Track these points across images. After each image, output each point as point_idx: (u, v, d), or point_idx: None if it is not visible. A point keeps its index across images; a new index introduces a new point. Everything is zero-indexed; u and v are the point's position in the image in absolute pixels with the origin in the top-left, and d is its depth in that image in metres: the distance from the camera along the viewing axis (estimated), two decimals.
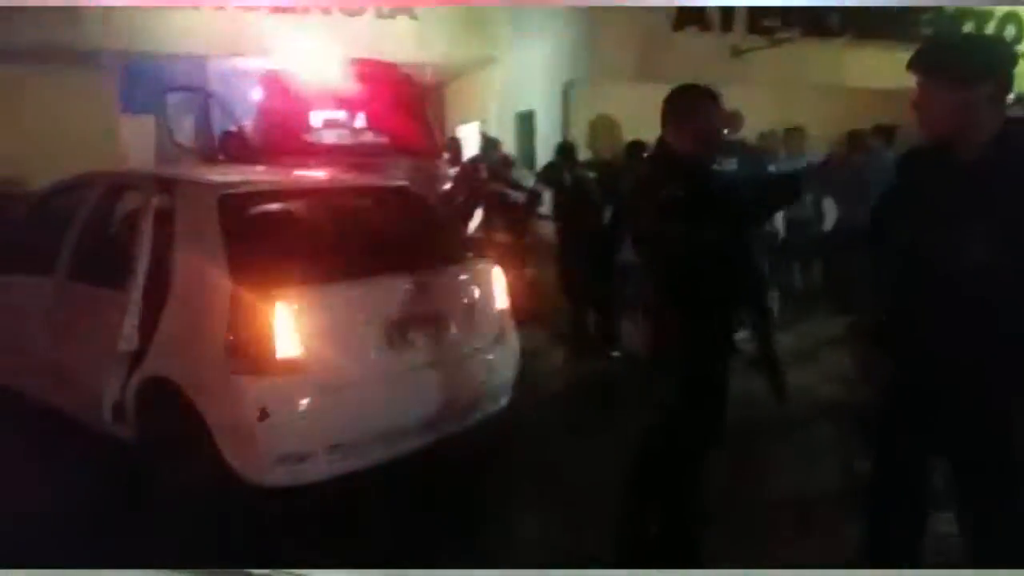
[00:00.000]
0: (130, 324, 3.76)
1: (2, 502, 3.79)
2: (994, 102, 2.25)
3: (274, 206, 4.07)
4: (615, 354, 6.61)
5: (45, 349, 4.30)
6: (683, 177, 2.78)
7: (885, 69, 8.47)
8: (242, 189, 3.97)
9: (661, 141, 3.00)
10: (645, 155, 3.11)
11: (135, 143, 11.66)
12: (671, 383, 2.93)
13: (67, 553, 3.42)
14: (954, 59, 2.29)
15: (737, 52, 11.00)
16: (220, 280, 3.51)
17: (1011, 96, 2.85)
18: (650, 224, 2.83)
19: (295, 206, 4.14)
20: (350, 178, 4.75)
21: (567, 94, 9.44)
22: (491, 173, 7.81)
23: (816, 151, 7.92)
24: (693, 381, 2.90)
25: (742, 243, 3.01)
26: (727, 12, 11.05)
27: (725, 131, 3.12)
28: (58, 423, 4.31)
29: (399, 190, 4.71)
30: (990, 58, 2.31)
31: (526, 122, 12.02)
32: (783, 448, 4.78)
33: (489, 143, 8.41)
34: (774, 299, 7.28)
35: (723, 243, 2.77)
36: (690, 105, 2.93)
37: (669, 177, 2.79)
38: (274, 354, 3.42)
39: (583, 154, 8.02)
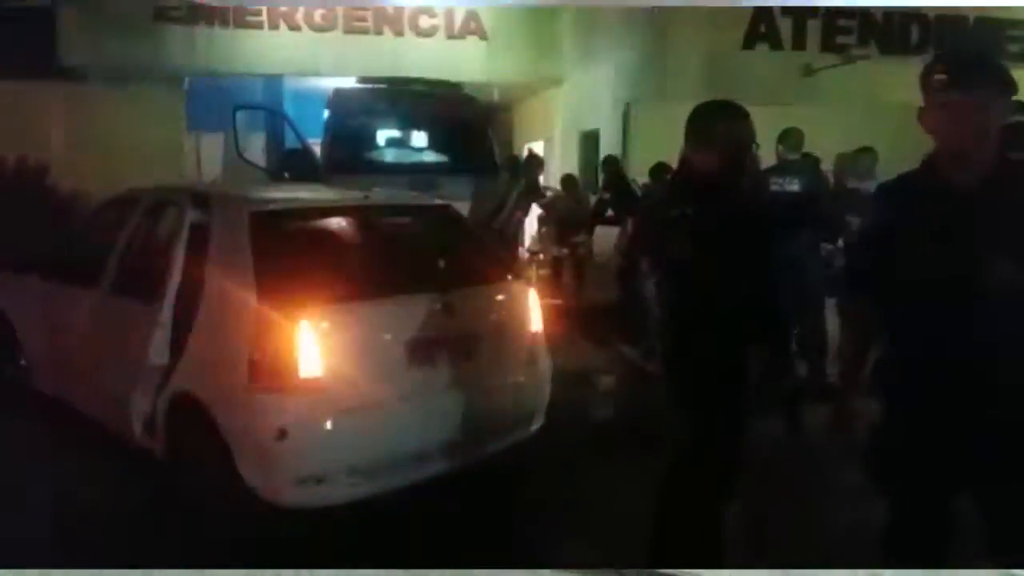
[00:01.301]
0: (161, 338, 3.81)
1: (31, 506, 3.88)
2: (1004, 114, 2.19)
3: (307, 224, 4.07)
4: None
5: (85, 361, 4.39)
6: (698, 198, 2.63)
7: None
8: (274, 207, 3.98)
9: (683, 160, 2.85)
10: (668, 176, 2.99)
11: (204, 160, 12.08)
12: (685, 407, 2.78)
13: (89, 559, 3.46)
14: (982, 71, 2.15)
15: (809, 71, 10.65)
16: (247, 297, 3.51)
17: None
18: (657, 244, 2.70)
19: (328, 224, 4.12)
20: (387, 196, 4.73)
21: (628, 114, 9.28)
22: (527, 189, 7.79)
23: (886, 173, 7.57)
24: (706, 406, 2.73)
25: (762, 266, 2.81)
26: (800, 29, 10.72)
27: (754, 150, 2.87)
28: (93, 432, 4.39)
29: (439, 209, 4.65)
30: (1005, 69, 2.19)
31: (590, 141, 11.92)
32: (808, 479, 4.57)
33: (535, 160, 8.40)
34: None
35: (738, 266, 2.60)
36: (713, 123, 2.78)
37: (682, 198, 2.64)
38: (297, 373, 3.39)
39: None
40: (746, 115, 2.79)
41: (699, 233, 2.58)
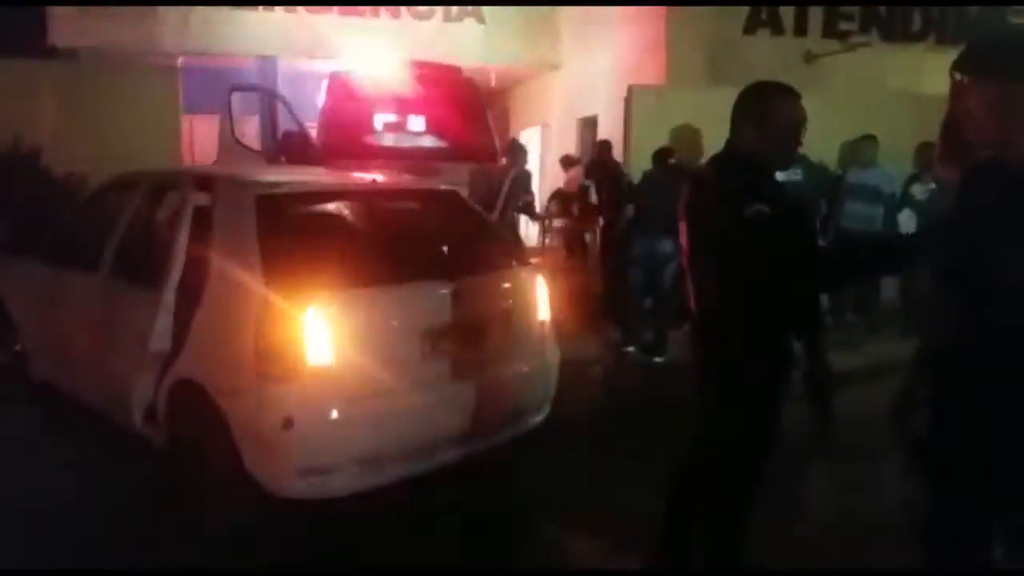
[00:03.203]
0: (164, 324, 3.73)
1: (31, 499, 3.81)
2: None
3: (313, 208, 3.98)
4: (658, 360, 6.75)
5: (84, 347, 4.30)
6: (766, 191, 2.52)
7: None
8: (280, 190, 3.88)
9: (736, 146, 2.69)
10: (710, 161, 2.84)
11: (199, 142, 11.95)
12: (717, 397, 2.70)
13: (91, 552, 3.41)
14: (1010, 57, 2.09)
15: (811, 57, 10.57)
16: (252, 282, 3.42)
17: None
18: (725, 239, 2.51)
19: (334, 209, 4.03)
20: (393, 181, 4.64)
21: (630, 99, 9.19)
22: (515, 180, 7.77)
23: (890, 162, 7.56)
24: (742, 396, 2.64)
25: (813, 257, 2.73)
26: (801, 16, 10.64)
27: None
28: (96, 421, 4.31)
29: (445, 194, 4.57)
30: None
31: (589, 127, 11.83)
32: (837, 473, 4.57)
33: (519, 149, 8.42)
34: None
35: (797, 259, 2.50)
36: (778, 103, 2.62)
37: (751, 190, 2.49)
38: (304, 361, 3.31)
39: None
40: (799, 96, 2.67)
41: (776, 231, 2.44)
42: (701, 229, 2.68)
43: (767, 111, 2.61)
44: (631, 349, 7.07)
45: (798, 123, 2.64)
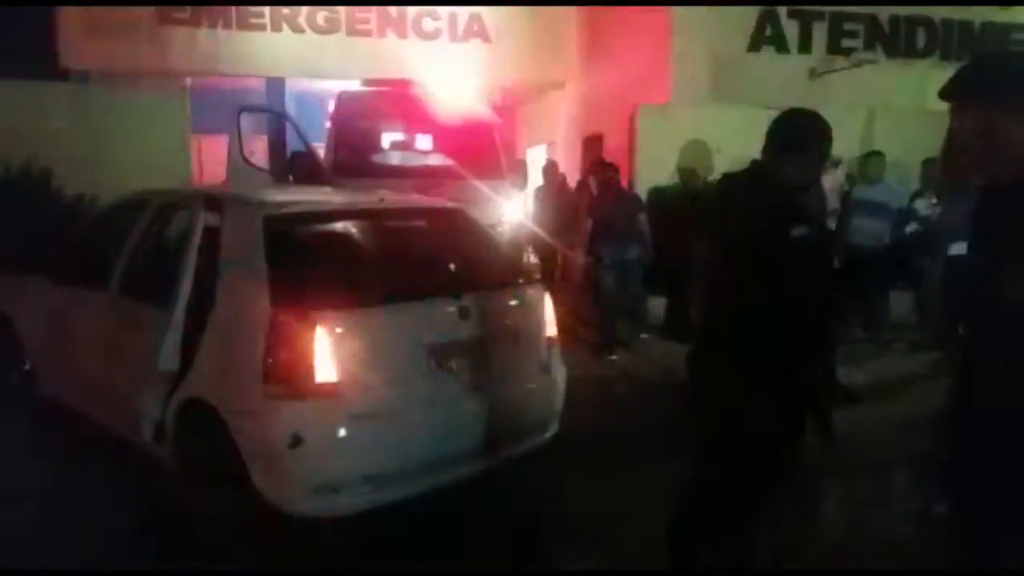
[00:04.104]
0: (172, 343, 3.74)
1: (41, 513, 3.82)
2: None
3: (320, 227, 4.00)
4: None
5: (93, 366, 4.33)
6: (800, 213, 2.59)
7: None
8: (288, 210, 3.91)
9: (769, 168, 2.75)
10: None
11: (208, 162, 12.04)
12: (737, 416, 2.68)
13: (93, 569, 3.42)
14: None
15: (815, 74, 10.61)
16: (261, 301, 3.44)
17: None
18: (769, 259, 2.54)
19: (342, 227, 4.05)
20: (401, 200, 4.67)
21: (636, 117, 9.23)
22: None
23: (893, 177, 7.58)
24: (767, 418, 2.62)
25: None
26: (805, 33, 10.68)
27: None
28: (100, 439, 4.33)
29: (452, 212, 4.59)
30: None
31: (594, 145, 11.87)
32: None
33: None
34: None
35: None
36: (813, 130, 2.73)
37: (792, 213, 2.58)
38: (312, 379, 3.33)
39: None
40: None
41: (815, 252, 2.55)
42: (740, 248, 2.65)
43: (806, 137, 2.70)
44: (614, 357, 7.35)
45: (828, 149, 2.75)
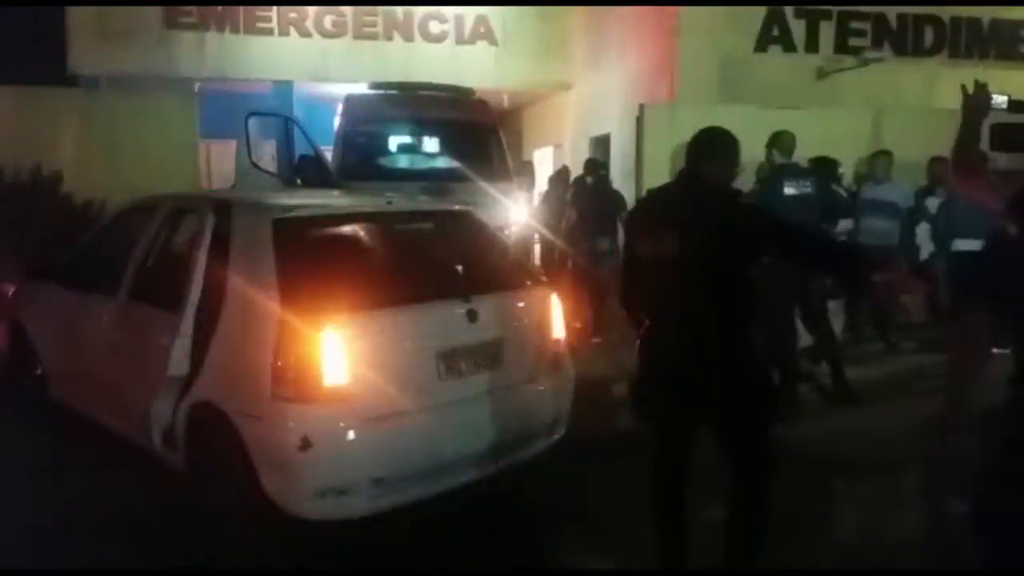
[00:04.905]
0: (182, 347, 3.76)
1: (52, 516, 3.85)
2: None
3: (328, 231, 4.01)
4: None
5: (103, 370, 4.35)
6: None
7: None
8: (297, 213, 3.92)
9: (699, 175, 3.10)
10: None
11: (217, 167, 12.10)
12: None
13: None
14: None
15: (823, 74, 10.58)
16: (270, 304, 3.45)
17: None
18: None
19: (350, 231, 4.06)
20: (409, 203, 4.68)
21: (642, 117, 9.21)
22: None
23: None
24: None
25: None
26: (812, 32, 10.66)
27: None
28: (115, 445, 4.35)
29: (460, 214, 4.60)
30: None
31: (601, 146, 11.87)
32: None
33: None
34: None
35: None
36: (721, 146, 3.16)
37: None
38: (320, 382, 3.34)
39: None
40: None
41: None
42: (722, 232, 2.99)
43: (719, 148, 3.15)
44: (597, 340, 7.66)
45: (738, 158, 3.21)
